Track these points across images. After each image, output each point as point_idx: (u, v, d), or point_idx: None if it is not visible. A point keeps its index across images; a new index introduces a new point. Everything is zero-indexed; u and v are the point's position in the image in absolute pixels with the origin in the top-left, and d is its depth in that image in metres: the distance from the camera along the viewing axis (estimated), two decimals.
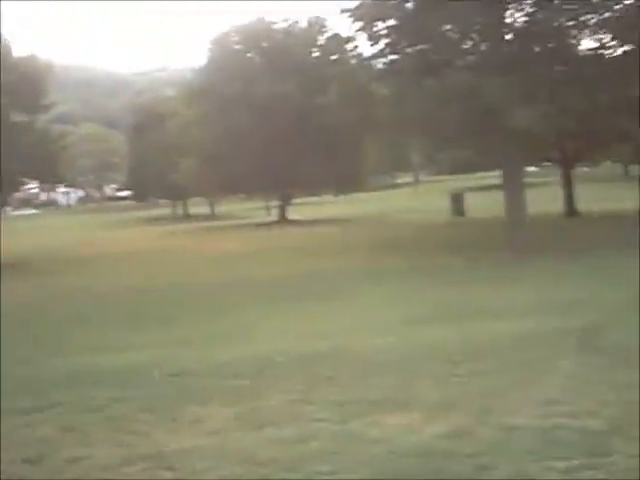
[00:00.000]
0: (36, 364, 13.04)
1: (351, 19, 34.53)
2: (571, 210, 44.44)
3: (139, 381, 10.46)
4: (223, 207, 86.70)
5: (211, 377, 10.40)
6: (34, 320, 19.97)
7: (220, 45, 62.87)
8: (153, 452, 7.12)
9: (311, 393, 9.02)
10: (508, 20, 31.62)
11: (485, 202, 48.52)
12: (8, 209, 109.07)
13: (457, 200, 52.68)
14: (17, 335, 16.77)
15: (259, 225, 58.47)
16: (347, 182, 60.13)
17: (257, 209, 77.15)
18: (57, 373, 11.91)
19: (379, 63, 37.00)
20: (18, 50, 44.14)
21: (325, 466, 6.41)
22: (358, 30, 35.24)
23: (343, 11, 34.51)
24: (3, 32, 44.52)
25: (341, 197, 72.08)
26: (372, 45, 35.06)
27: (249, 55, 61.54)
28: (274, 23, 62.17)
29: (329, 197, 75.25)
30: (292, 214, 62.98)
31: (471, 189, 59.26)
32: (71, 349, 14.46)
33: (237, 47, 62.21)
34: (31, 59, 44.54)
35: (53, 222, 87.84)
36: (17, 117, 43.88)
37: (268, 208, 71.12)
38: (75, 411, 9.01)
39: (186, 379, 10.45)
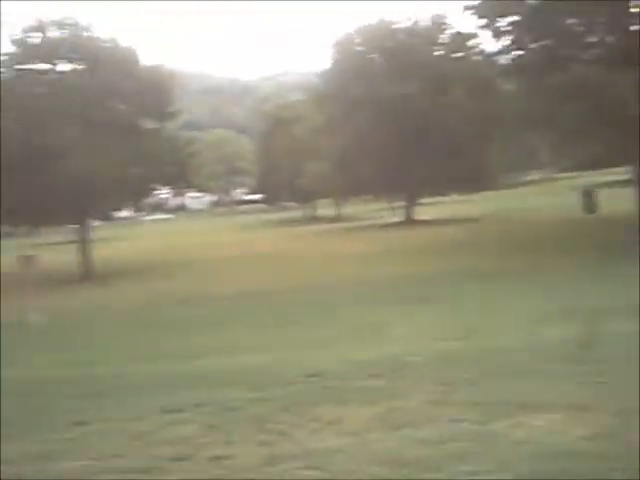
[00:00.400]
0: (176, 364, 13.48)
1: (474, 16, 34.39)
2: None
3: (276, 381, 10.61)
4: (350, 209, 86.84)
5: (347, 378, 10.42)
6: (172, 321, 20.56)
7: (343, 47, 63.02)
8: (297, 452, 7.20)
9: (449, 394, 8.94)
10: (633, 10, 30.92)
11: (616, 198, 47.19)
12: (139, 214, 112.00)
13: (588, 196, 51.28)
14: (156, 335, 17.33)
15: (386, 226, 58.41)
16: (474, 181, 59.31)
17: (383, 210, 77.01)
18: (194, 373, 12.28)
19: (503, 59, 36.71)
20: (145, 59, 45.19)
21: (468, 467, 6.33)
22: (482, 27, 35.04)
23: (466, 8, 34.37)
24: (132, 42, 45.73)
25: (470, 196, 71.11)
26: (497, 41, 34.90)
27: (371, 56, 61.49)
28: (395, 23, 61.92)
29: (459, 196, 74.34)
30: (419, 214, 62.63)
31: (598, 185, 57.61)
32: (206, 350, 14.83)
33: (359, 48, 62.20)
34: (156, 68, 45.57)
35: (186, 226, 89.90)
36: (146, 124, 44.98)
37: (394, 209, 70.87)
38: (217, 411, 9.24)
39: (322, 379, 10.51)
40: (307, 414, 8.66)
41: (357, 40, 62.82)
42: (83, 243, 42.97)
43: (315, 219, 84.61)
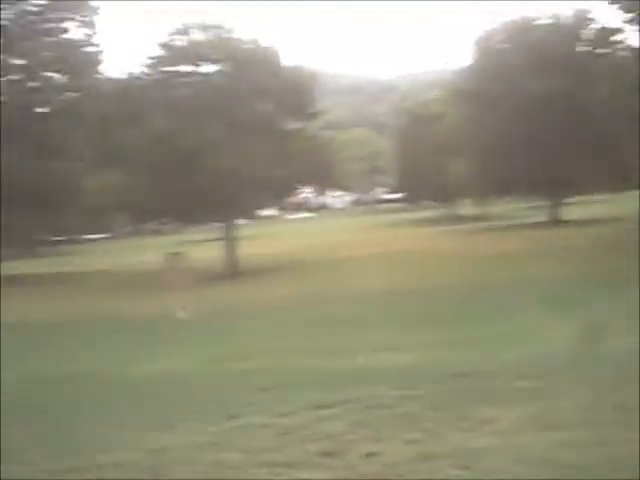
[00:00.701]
0: (324, 361, 13.67)
1: (619, 11, 33.69)
2: None
3: (424, 380, 10.63)
4: (492, 208, 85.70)
5: (494, 377, 10.41)
6: (318, 318, 20.83)
7: (483, 45, 62.38)
8: (446, 451, 7.25)
9: (599, 397, 8.84)
10: None
11: None
12: (283, 213, 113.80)
13: None
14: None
15: (528, 225, 57.46)
16: (620, 180, 57.63)
17: (526, 209, 75.83)
18: (342, 370, 12.42)
19: None
20: (286, 60, 45.60)
21: (619, 473, 6.27)
22: (629, 21, 34.30)
23: (613, 2, 33.68)
24: (275, 43, 46.29)
25: (617, 195, 68.93)
26: None
27: (512, 53, 60.53)
28: (537, 19, 60.88)
29: (605, 196, 72.23)
30: (563, 214, 61.30)
31: None
32: (353, 348, 14.94)
33: (500, 46, 61.39)
34: (298, 68, 45.97)
35: (327, 224, 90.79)
36: (288, 124, 45.49)
37: (538, 208, 69.54)
38: (365, 408, 9.36)
39: (470, 379, 10.53)
40: (455, 413, 8.70)
41: (498, 37, 62.09)
42: (228, 241, 43.78)
43: (456, 218, 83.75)
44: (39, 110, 52.42)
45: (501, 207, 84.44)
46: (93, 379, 14.14)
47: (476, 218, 78.97)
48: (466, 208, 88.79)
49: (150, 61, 43.66)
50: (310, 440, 8.12)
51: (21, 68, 50.78)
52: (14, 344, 20.70)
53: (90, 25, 52.63)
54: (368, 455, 7.32)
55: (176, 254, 27.02)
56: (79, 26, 52.43)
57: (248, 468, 7.43)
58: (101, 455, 8.36)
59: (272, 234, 75.79)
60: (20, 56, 50.62)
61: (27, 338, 22.21)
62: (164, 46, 43.84)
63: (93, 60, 52.66)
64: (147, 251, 58.45)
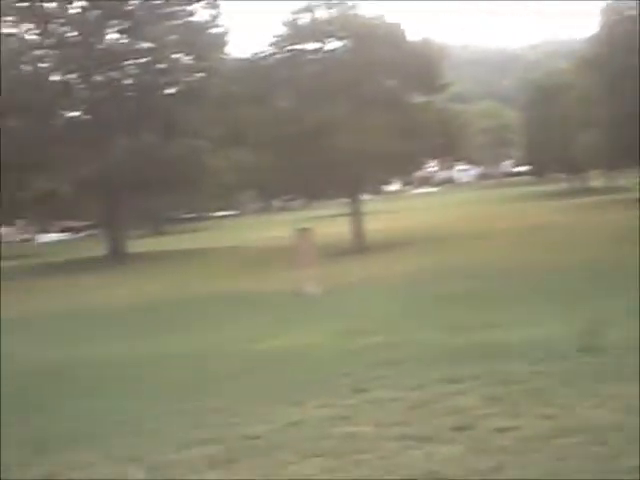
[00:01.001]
0: (454, 336, 13.59)
1: None
2: None
3: (552, 356, 10.54)
4: (623, 180, 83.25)
5: (625, 354, 10.20)
6: (448, 293, 20.74)
7: (612, 12, 60.58)
8: (580, 426, 7.17)
9: None
10: None
11: None
12: (407, 188, 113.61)
13: None
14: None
15: None
16: None
17: None
18: (472, 345, 12.34)
19: None
20: (413, 34, 45.33)
21: None
22: None
23: None
24: (399, 19, 46.04)
25: None
26: None
27: None
28: None
29: None
30: None
31: None
32: (482, 323, 14.82)
33: (628, 13, 59.44)
34: (425, 42, 45.58)
35: (452, 199, 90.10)
36: (415, 98, 45.31)
37: None
38: (496, 383, 9.31)
39: (598, 355, 10.35)
40: (585, 389, 8.61)
41: (626, 4, 60.17)
42: (354, 216, 43.88)
43: (584, 191, 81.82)
44: (167, 91, 53.58)
45: (630, 179, 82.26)
46: (223, 355, 14.40)
47: (604, 191, 77.12)
48: (594, 180, 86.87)
49: (275, 40, 43.94)
50: (441, 414, 8.14)
51: (149, 51, 51.88)
52: (140, 322, 21.32)
53: (215, 7, 53.51)
54: (502, 430, 7.28)
55: (304, 230, 27.17)
56: (204, 7, 53.32)
57: (379, 441, 7.44)
58: (231, 429, 8.53)
59: (398, 209, 75.61)
60: (147, 39, 51.71)
61: (155, 316, 22.76)
62: (289, 24, 44.06)
63: (218, 41, 53.59)
64: (274, 227, 59.17)
